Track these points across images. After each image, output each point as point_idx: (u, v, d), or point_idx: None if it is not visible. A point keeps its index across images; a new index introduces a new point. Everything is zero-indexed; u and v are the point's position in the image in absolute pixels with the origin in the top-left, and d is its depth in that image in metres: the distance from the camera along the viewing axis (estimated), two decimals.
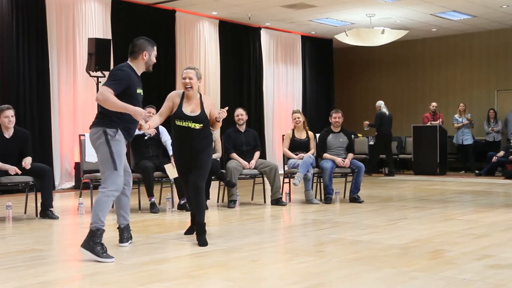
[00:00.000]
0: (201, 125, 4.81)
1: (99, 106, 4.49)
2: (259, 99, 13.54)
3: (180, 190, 6.86)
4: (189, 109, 4.82)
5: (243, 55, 13.26)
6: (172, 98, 4.89)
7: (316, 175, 7.71)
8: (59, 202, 8.12)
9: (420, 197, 8.24)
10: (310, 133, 7.73)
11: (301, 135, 7.68)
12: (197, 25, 12.23)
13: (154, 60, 4.55)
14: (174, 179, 6.79)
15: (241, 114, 7.44)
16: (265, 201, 7.53)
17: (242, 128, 7.44)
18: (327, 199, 7.46)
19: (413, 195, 8.65)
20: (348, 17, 12.52)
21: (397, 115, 15.40)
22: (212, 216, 6.43)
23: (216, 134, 7.06)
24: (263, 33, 13.70)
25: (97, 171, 6.95)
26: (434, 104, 13.17)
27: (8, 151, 6.10)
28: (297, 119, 7.67)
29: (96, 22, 10.44)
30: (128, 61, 4.51)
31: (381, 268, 3.85)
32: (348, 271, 3.79)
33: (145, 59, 4.47)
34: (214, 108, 4.96)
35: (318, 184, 7.89)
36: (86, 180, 6.90)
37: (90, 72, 9.55)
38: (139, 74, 4.48)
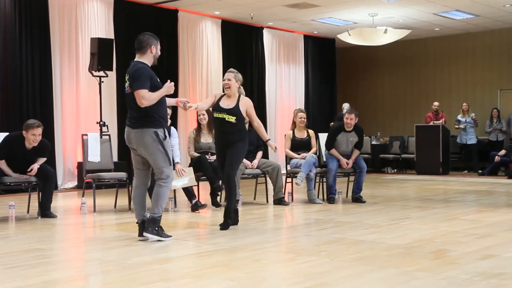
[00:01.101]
0: (235, 117, 5.46)
1: (133, 109, 4.76)
2: (261, 99, 13.53)
3: (189, 193, 6.83)
4: (226, 104, 5.51)
5: (245, 54, 13.26)
6: (215, 95, 5.72)
7: (319, 174, 7.69)
8: (61, 202, 8.13)
9: (422, 197, 8.23)
10: (311, 132, 7.70)
11: (302, 134, 7.65)
12: (199, 24, 12.24)
13: (159, 53, 4.92)
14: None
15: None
16: (267, 201, 7.53)
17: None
18: (330, 199, 7.45)
19: (416, 195, 8.64)
20: (351, 16, 12.51)
21: (400, 114, 15.40)
22: (215, 216, 6.43)
23: None
24: (265, 32, 13.69)
25: (99, 170, 6.99)
26: (436, 103, 13.16)
27: (28, 161, 6.17)
28: (302, 119, 7.63)
29: (99, 22, 10.45)
30: (136, 58, 4.83)
31: (383, 268, 3.84)
32: (351, 271, 3.79)
33: (153, 52, 4.85)
34: (251, 108, 5.60)
35: (321, 184, 7.88)
36: (88, 179, 6.91)
37: (93, 72, 9.56)
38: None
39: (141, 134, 4.73)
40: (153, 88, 4.72)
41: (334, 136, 7.59)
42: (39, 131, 6.14)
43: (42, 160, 6.29)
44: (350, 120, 7.53)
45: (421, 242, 4.74)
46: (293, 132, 7.68)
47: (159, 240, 4.78)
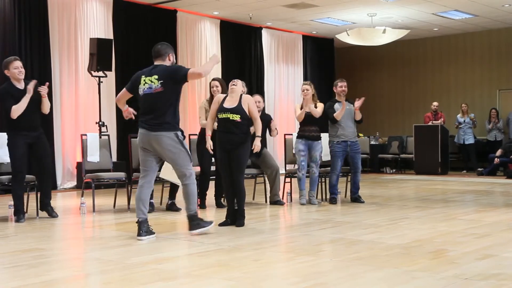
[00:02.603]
0: (239, 116, 5.56)
1: (155, 110, 4.94)
2: None
3: (172, 191, 6.82)
4: (229, 104, 5.62)
5: (244, 55, 13.26)
6: (218, 99, 5.79)
7: (320, 174, 7.55)
8: (61, 202, 8.13)
9: (421, 197, 8.24)
10: (320, 104, 7.26)
11: (310, 108, 7.18)
12: (198, 25, 12.24)
13: (175, 62, 5.23)
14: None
15: (258, 101, 7.11)
16: (266, 201, 7.52)
17: None
18: (332, 200, 7.40)
19: (415, 195, 8.65)
20: (350, 16, 12.52)
21: (399, 114, 15.41)
22: (213, 216, 6.43)
23: None
24: (264, 32, 13.70)
25: (99, 170, 6.99)
26: (435, 103, 13.17)
27: (29, 102, 5.96)
28: (305, 91, 7.21)
29: (98, 22, 10.45)
30: (155, 64, 5.08)
31: (382, 268, 3.84)
32: (350, 271, 3.79)
33: (171, 60, 5.12)
34: (252, 104, 5.69)
35: (320, 184, 7.80)
36: (87, 179, 6.91)
37: (92, 72, 9.56)
38: None
39: (162, 138, 4.92)
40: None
41: (331, 105, 7.38)
42: (19, 63, 6.01)
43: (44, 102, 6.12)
44: (344, 87, 7.43)
45: (420, 242, 4.74)
46: (301, 106, 7.28)
47: (204, 232, 5.07)
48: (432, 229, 5.41)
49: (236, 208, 5.67)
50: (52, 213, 6.24)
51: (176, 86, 4.98)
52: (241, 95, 5.74)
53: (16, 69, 5.97)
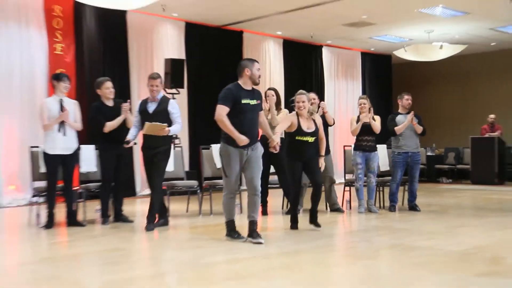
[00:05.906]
0: (314, 137, 5.76)
1: (255, 123, 5.14)
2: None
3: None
4: (306, 127, 5.71)
5: (306, 71, 13.29)
6: (292, 120, 5.73)
7: (378, 183, 7.43)
8: (139, 207, 8.40)
9: (478, 206, 7.95)
10: (377, 117, 7.21)
11: (367, 119, 7.12)
12: (263, 44, 12.39)
13: (258, 74, 5.03)
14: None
15: (313, 98, 7.03)
16: (326, 208, 7.48)
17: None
18: (392, 207, 7.28)
19: (472, 204, 8.36)
20: (407, 33, 12.31)
21: (455, 128, 14.93)
22: (278, 222, 6.47)
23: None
24: (324, 50, 13.69)
25: (173, 179, 7.18)
26: (492, 116, 12.67)
27: (113, 119, 6.22)
28: (362, 105, 7.21)
29: (172, 44, 10.78)
30: (237, 81, 5.03)
31: (440, 273, 3.76)
32: (408, 276, 3.73)
33: (248, 74, 4.98)
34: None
35: (378, 192, 7.70)
36: (163, 187, 7.04)
37: (166, 89, 9.85)
38: (248, 88, 5.02)
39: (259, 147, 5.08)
40: (236, 106, 4.91)
41: (393, 118, 7.31)
42: (111, 84, 6.29)
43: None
44: (410, 101, 7.41)
45: (478, 249, 4.60)
46: (358, 118, 7.25)
47: (257, 244, 4.88)
48: (491, 237, 5.23)
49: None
50: (127, 220, 6.41)
51: None
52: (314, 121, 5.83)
53: (107, 89, 6.30)
